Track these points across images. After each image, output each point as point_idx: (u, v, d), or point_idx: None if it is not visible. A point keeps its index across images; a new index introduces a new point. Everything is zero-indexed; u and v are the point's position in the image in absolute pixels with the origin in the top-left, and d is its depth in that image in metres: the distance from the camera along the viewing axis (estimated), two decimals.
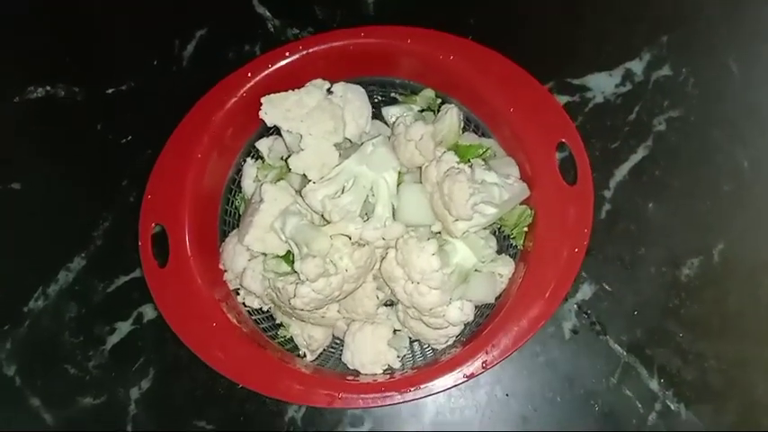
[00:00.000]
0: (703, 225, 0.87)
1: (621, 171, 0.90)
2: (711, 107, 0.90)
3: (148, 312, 0.88)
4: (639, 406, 0.82)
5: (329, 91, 0.76)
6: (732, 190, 0.87)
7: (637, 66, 0.93)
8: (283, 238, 0.69)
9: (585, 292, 0.86)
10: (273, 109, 0.70)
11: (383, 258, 0.72)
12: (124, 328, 0.88)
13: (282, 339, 0.78)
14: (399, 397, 0.67)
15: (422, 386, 0.67)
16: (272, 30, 0.98)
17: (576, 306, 0.86)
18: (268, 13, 0.99)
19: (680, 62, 0.93)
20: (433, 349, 0.78)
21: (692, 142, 0.90)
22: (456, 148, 0.77)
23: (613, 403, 0.82)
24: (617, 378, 0.83)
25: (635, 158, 0.90)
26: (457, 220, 0.69)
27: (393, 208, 0.71)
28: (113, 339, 0.87)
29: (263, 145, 0.81)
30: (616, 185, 0.89)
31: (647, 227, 0.88)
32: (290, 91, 0.72)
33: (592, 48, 0.95)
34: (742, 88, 0.90)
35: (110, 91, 0.97)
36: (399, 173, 0.73)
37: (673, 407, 0.82)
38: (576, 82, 0.93)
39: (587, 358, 0.84)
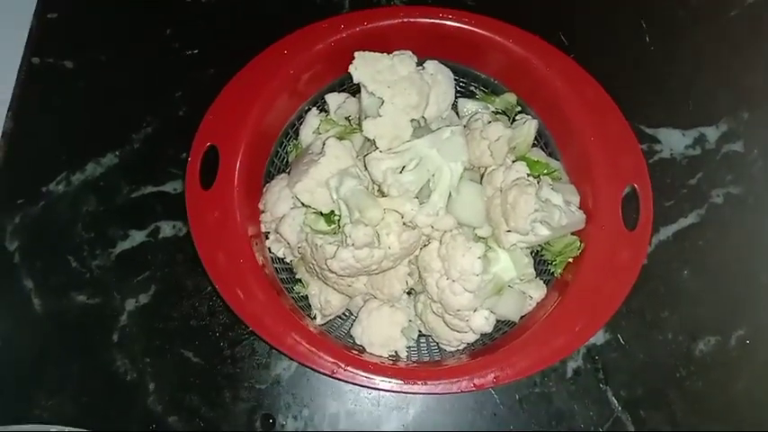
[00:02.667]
0: (730, 307, 0.87)
1: (667, 231, 0.89)
2: None
3: (166, 229, 0.86)
4: None
5: (417, 64, 0.74)
6: (767, 282, 0.87)
7: (712, 133, 0.92)
8: (335, 196, 0.67)
9: (599, 337, 0.85)
10: (365, 66, 0.68)
11: (423, 246, 0.71)
12: (138, 237, 0.85)
13: (297, 295, 0.76)
14: (405, 387, 0.66)
15: (429, 382, 0.66)
16: None
17: (585, 349, 0.84)
18: None
19: (754, 141, 0.92)
20: (439, 350, 0.76)
21: (744, 223, 0.89)
22: (525, 160, 0.75)
23: None
24: (605, 429, 0.82)
25: (684, 222, 0.89)
26: (510, 231, 0.68)
27: (449, 199, 0.70)
28: (124, 245, 0.85)
29: (332, 99, 0.79)
30: (658, 243, 0.88)
31: (677, 292, 0.87)
32: (385, 54, 0.70)
33: (673, 102, 0.94)
34: None
35: None
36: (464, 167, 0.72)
37: None
38: (648, 131, 0.92)
39: (582, 402, 0.83)
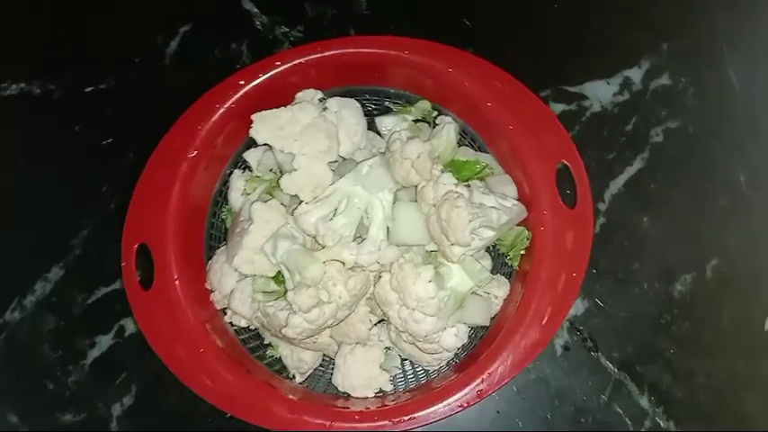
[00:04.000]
0: (698, 240, 0.87)
1: (617, 183, 0.88)
2: (710, 119, 0.89)
3: (130, 326, 0.85)
4: (629, 423, 0.82)
5: (321, 100, 0.73)
6: (728, 205, 0.87)
7: (635, 74, 0.92)
8: (274, 261, 0.67)
9: (578, 307, 0.85)
10: (265, 126, 0.67)
11: (377, 282, 0.70)
12: (105, 341, 0.85)
13: (271, 359, 0.76)
14: (392, 425, 0.66)
15: (416, 415, 0.66)
16: (260, 27, 0.94)
17: (568, 322, 0.85)
18: (256, 10, 0.95)
19: (680, 71, 0.91)
20: (425, 370, 0.76)
21: (690, 155, 0.89)
22: (453, 164, 0.74)
23: (603, 420, 0.82)
24: (607, 395, 0.83)
25: (631, 170, 0.89)
26: (454, 244, 0.67)
27: (387, 230, 0.69)
28: (94, 353, 0.84)
29: (251, 156, 0.78)
30: (611, 198, 0.88)
31: (642, 241, 0.87)
32: (282, 108, 0.69)
33: (590, 54, 0.93)
34: (742, 101, 0.89)
35: (88, 89, 0.92)
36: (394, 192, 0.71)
37: (662, 424, 0.82)
38: (572, 90, 0.91)
39: (578, 375, 0.83)
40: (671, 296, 0.85)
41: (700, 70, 0.90)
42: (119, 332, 0.85)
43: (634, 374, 0.83)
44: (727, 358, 0.83)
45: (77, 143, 0.91)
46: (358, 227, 0.68)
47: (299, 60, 0.73)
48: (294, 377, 0.75)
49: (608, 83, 0.91)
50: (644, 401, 0.82)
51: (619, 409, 0.82)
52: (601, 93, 0.91)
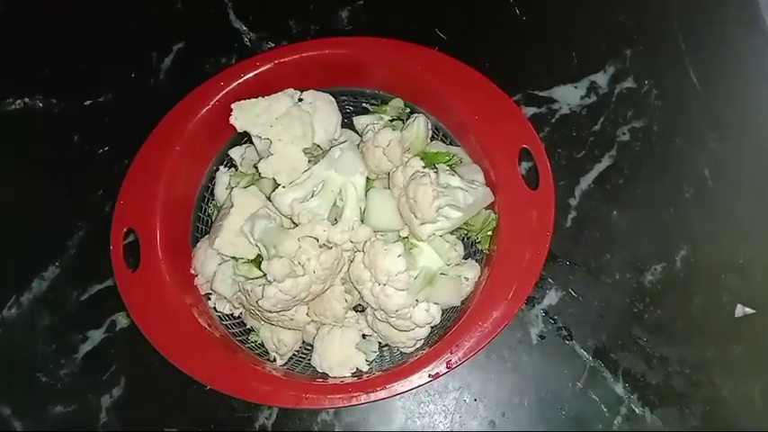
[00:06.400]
0: (666, 232, 0.90)
1: (587, 180, 0.92)
2: (673, 117, 0.94)
3: (121, 321, 0.88)
4: (605, 410, 0.84)
5: (300, 99, 0.78)
6: (693, 197, 0.90)
7: (601, 78, 0.97)
8: (252, 240, 0.70)
9: (552, 297, 0.88)
10: (243, 114, 0.72)
11: (351, 261, 0.74)
12: (97, 336, 0.88)
13: (253, 344, 0.79)
14: (365, 397, 0.68)
15: (387, 386, 0.68)
16: (249, 44, 1.01)
17: (542, 312, 0.87)
18: (245, 28, 1.01)
19: (643, 74, 0.96)
20: (401, 353, 0.79)
21: (655, 151, 0.93)
22: (424, 156, 0.79)
23: (579, 408, 0.84)
24: (583, 383, 0.84)
25: (600, 167, 0.93)
26: (423, 223, 0.71)
27: (361, 212, 0.73)
28: (86, 347, 0.88)
29: (235, 153, 0.83)
30: (581, 194, 0.92)
31: (612, 234, 0.90)
32: (260, 98, 0.74)
33: (558, 61, 0.98)
34: (702, 99, 0.94)
35: (87, 103, 0.98)
36: (369, 179, 0.75)
37: (638, 410, 0.83)
38: (542, 94, 0.96)
39: (554, 363, 0.85)
40: (642, 286, 0.88)
41: (661, 72, 0.95)
42: (110, 327, 0.88)
43: (608, 362, 0.85)
44: (699, 344, 0.85)
45: (76, 152, 0.96)
46: (333, 209, 0.72)
47: (277, 61, 0.79)
48: (275, 360, 0.78)
49: (575, 87, 0.96)
50: (619, 388, 0.84)
51: (594, 396, 0.84)
52: (569, 96, 0.96)
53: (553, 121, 0.95)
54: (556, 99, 0.96)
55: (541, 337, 0.86)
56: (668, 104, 0.94)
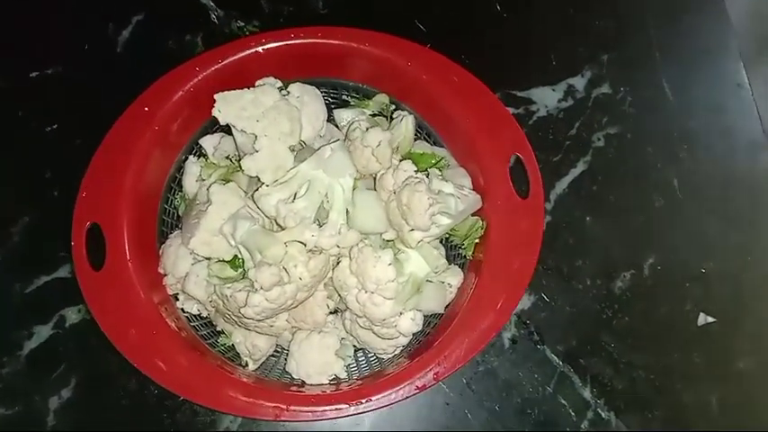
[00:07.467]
0: (636, 239, 0.91)
1: (562, 184, 0.92)
2: (646, 126, 0.95)
3: (71, 316, 0.81)
4: (573, 414, 0.84)
5: (281, 90, 0.73)
6: (663, 206, 0.92)
7: (579, 82, 0.96)
8: (233, 243, 0.66)
9: (525, 302, 0.88)
10: (227, 107, 0.67)
11: (335, 266, 0.70)
12: (44, 332, 0.81)
13: (223, 347, 0.75)
14: (351, 409, 0.65)
15: (374, 398, 0.66)
16: (216, 20, 0.94)
17: (515, 316, 0.87)
18: (212, 3, 0.94)
19: (618, 81, 0.96)
20: (378, 359, 0.77)
21: (628, 159, 0.94)
22: (410, 156, 0.76)
23: (548, 411, 0.84)
24: (552, 387, 0.85)
25: (575, 172, 0.93)
26: (413, 229, 0.68)
27: (347, 213, 0.70)
28: (31, 344, 0.80)
29: (207, 142, 0.77)
30: (556, 198, 0.91)
31: (585, 240, 0.90)
32: (246, 89, 0.69)
33: (537, 62, 0.97)
34: (674, 109, 0.95)
35: (33, 74, 0.89)
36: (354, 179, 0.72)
37: (603, 415, 0.85)
38: (520, 94, 0.95)
39: (525, 367, 0.85)
40: (612, 292, 0.89)
41: (637, 80, 0.96)
42: (58, 323, 0.81)
43: (577, 367, 0.86)
44: (664, 351, 0.87)
45: (20, 129, 0.88)
46: (318, 211, 0.68)
47: (260, 48, 0.74)
48: (247, 365, 0.74)
49: (553, 89, 0.96)
50: (586, 393, 0.85)
51: (563, 401, 0.85)
52: (547, 98, 0.95)
53: (530, 122, 0.94)
54: (534, 100, 0.95)
55: (513, 341, 0.86)
56: (642, 113, 0.95)
